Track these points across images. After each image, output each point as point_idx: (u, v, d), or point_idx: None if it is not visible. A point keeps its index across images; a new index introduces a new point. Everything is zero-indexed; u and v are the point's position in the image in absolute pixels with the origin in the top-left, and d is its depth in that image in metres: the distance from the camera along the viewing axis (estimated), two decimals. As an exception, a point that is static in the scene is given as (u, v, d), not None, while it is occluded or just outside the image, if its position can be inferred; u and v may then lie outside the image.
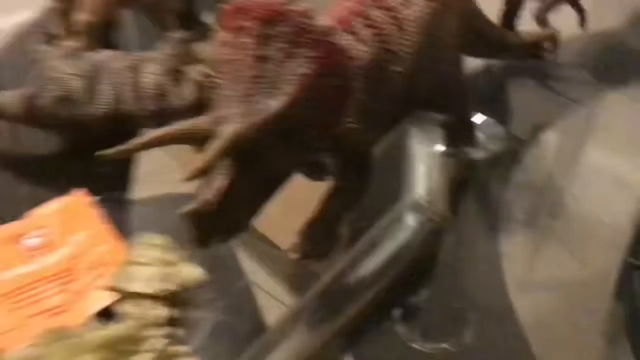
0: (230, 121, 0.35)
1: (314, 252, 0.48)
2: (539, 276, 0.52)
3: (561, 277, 0.52)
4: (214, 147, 0.34)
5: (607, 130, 0.68)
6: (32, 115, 0.58)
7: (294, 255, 0.49)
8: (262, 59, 0.36)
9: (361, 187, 0.48)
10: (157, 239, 0.37)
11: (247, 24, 0.36)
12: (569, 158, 0.67)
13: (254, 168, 0.37)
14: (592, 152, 0.66)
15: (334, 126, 0.41)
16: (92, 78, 0.57)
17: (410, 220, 0.56)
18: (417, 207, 0.57)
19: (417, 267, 0.52)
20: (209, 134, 0.35)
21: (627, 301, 0.46)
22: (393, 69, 0.45)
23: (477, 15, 0.55)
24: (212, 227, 0.37)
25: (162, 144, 0.36)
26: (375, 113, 0.45)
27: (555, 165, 0.66)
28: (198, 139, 0.36)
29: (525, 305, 0.49)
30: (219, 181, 0.36)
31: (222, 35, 0.37)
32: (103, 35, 0.71)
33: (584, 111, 0.71)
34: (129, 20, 0.79)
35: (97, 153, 0.35)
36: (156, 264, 0.36)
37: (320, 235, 0.48)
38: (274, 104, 0.36)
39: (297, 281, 0.51)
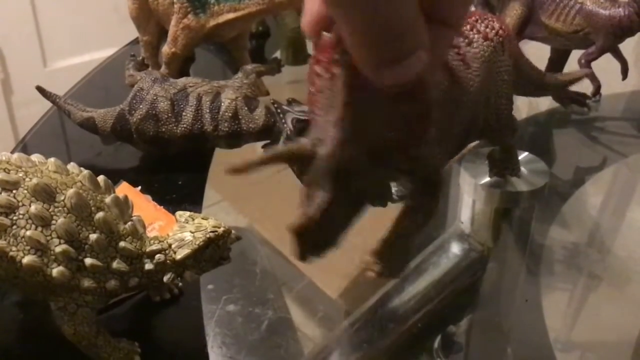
0: (327, 143, 0.36)
1: (388, 270, 0.50)
2: (586, 332, 0.53)
3: (611, 334, 0.51)
4: (315, 167, 0.36)
5: None
6: (120, 130, 0.65)
7: (370, 274, 0.50)
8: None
9: (432, 207, 0.49)
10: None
11: (340, 56, 0.37)
12: (614, 210, 0.68)
13: (347, 187, 0.38)
14: (635, 209, 0.67)
15: (416, 149, 0.42)
16: (176, 100, 0.63)
17: (455, 249, 0.58)
18: (461, 236, 0.59)
19: (460, 295, 0.54)
20: (311, 155, 0.37)
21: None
22: (460, 99, 0.48)
23: (521, 56, 0.58)
24: (312, 242, 0.39)
25: (272, 163, 0.39)
26: (447, 138, 0.48)
27: (595, 212, 0.67)
28: (302, 159, 0.37)
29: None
30: (320, 199, 0.37)
31: (315, 67, 0.39)
32: (182, 64, 0.79)
33: (624, 163, 0.73)
34: (199, 54, 0.87)
35: (229, 168, 0.39)
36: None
37: (394, 254, 0.50)
38: None
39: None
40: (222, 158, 0.67)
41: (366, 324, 0.50)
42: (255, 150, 0.65)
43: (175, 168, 0.65)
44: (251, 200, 0.66)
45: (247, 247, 0.56)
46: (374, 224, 0.62)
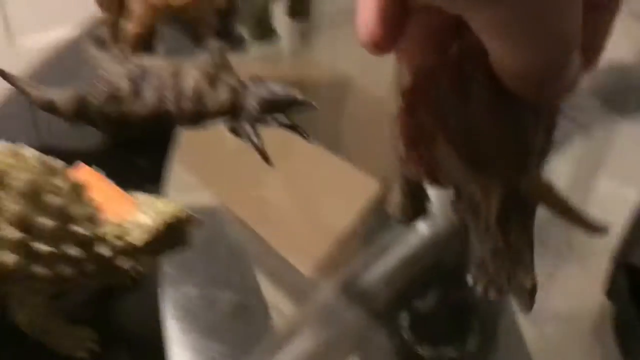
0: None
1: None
2: (551, 305, 0.52)
3: (574, 306, 0.52)
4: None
5: (618, 158, 0.70)
6: (82, 112, 0.63)
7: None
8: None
9: None
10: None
11: (475, 72, 0.28)
12: (580, 184, 0.68)
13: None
14: (603, 181, 0.68)
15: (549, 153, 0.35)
16: (138, 80, 0.62)
17: (421, 226, 0.58)
18: (428, 214, 0.58)
19: (426, 273, 0.54)
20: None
21: (615, 299, 0.48)
22: None
23: None
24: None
25: None
26: None
27: (561, 185, 0.67)
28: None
29: (535, 334, 0.49)
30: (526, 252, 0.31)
31: (427, 94, 0.30)
32: (146, 43, 0.77)
33: (594, 137, 0.73)
34: (166, 31, 0.85)
35: None
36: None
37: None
38: None
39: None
40: (186, 138, 0.67)
41: (334, 303, 0.50)
42: (220, 129, 0.65)
43: (137, 149, 0.64)
44: (217, 181, 0.65)
45: (210, 229, 0.55)
46: (341, 201, 0.62)
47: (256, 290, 0.51)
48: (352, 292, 0.51)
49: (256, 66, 0.84)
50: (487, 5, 0.20)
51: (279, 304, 0.51)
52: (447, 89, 0.29)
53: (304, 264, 0.54)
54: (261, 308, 0.50)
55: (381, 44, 0.25)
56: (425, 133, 0.29)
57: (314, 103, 0.63)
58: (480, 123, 0.29)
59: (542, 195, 0.29)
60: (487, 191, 0.28)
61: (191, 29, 0.84)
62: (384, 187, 0.46)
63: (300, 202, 0.64)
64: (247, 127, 0.61)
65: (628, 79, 0.82)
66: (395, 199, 0.41)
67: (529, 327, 0.49)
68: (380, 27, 0.25)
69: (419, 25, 0.25)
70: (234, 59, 0.74)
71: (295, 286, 0.53)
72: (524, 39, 0.21)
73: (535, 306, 0.52)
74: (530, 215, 0.30)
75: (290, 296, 0.52)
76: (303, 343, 0.47)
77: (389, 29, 0.25)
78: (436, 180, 0.30)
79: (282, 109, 0.63)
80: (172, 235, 0.42)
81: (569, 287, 0.55)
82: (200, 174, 0.66)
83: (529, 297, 0.31)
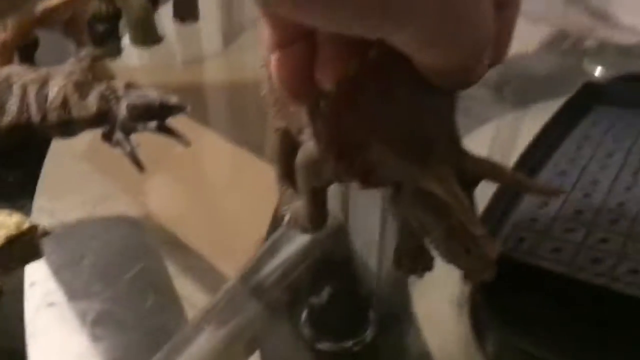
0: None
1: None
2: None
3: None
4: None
5: (509, 147, 0.70)
6: (-58, 127, 0.61)
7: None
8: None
9: None
10: None
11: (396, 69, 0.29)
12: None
13: None
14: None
15: None
16: (1, 92, 0.60)
17: None
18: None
19: (321, 268, 0.54)
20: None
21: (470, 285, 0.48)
22: None
23: None
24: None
25: None
26: None
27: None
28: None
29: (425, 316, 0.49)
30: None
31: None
32: (25, 53, 0.74)
33: (484, 129, 0.73)
34: (48, 40, 0.82)
35: None
36: None
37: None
38: None
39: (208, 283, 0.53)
40: (60, 149, 0.65)
41: (234, 301, 0.50)
42: (94, 138, 0.63)
43: (6, 163, 0.62)
44: (88, 190, 0.64)
45: (75, 239, 0.54)
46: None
47: (117, 301, 0.50)
48: (249, 288, 0.51)
49: (141, 71, 0.83)
50: (406, 26, 0.22)
51: (187, 300, 0.50)
52: (374, 93, 0.30)
53: (213, 260, 0.54)
54: (128, 316, 0.49)
55: (304, 96, 0.28)
56: (354, 141, 0.30)
57: (187, 107, 0.62)
58: (410, 117, 0.30)
59: (485, 170, 0.31)
60: (441, 178, 0.29)
61: (70, 35, 0.82)
62: (283, 202, 0.47)
63: (217, 203, 0.63)
64: (118, 135, 0.60)
65: (515, 73, 0.82)
66: (303, 210, 0.42)
67: (421, 310, 0.50)
68: (297, 83, 0.27)
69: (333, 42, 0.27)
70: (118, 64, 0.72)
71: (202, 281, 0.52)
72: (444, 48, 0.24)
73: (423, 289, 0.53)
74: (473, 191, 0.31)
75: (200, 291, 0.52)
76: (201, 342, 0.46)
77: (304, 81, 0.27)
78: (370, 184, 0.31)
79: (156, 114, 0.62)
80: (19, 248, 0.41)
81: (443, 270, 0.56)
82: (67, 187, 0.64)
83: (492, 266, 0.31)
